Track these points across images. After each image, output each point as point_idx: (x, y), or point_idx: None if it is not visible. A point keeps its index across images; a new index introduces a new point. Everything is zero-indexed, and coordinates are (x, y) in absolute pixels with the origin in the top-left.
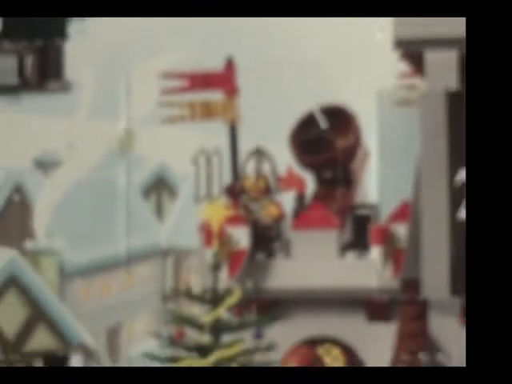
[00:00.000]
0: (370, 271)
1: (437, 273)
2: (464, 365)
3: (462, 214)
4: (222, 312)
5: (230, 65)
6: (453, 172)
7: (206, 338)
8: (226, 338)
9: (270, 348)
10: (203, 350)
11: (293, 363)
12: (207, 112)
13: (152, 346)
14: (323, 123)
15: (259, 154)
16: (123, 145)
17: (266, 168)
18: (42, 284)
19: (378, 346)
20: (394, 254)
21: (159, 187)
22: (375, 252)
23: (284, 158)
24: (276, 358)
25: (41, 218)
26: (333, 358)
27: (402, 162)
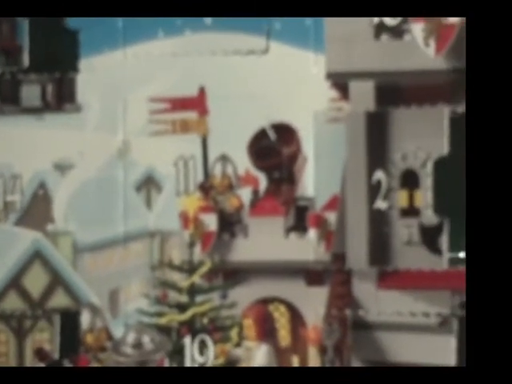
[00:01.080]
0: (308, 247)
1: (358, 248)
2: (380, 319)
3: (377, 204)
4: (196, 278)
5: (202, 92)
6: (370, 173)
7: (184, 298)
8: (199, 298)
9: (232, 305)
10: (182, 307)
11: (250, 317)
12: (185, 127)
13: (143, 304)
14: (273, 136)
15: (224, 159)
16: (121, 152)
17: (230, 170)
18: (60, 257)
19: (314, 304)
20: (326, 234)
21: (148, 184)
22: (312, 233)
23: (243, 162)
24: (237, 312)
25: (59, 208)
26: (280, 314)
27: (332, 165)
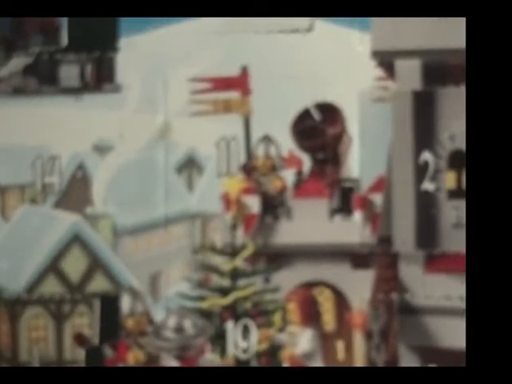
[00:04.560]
0: (353, 230)
1: (405, 231)
2: (427, 303)
3: (424, 185)
4: (239, 262)
5: (244, 71)
6: (417, 153)
7: (226, 282)
8: (242, 281)
9: (275, 289)
10: (224, 291)
11: (294, 301)
12: (227, 108)
13: (184, 288)
14: (317, 116)
15: (267, 140)
16: (162, 133)
17: (273, 151)
18: (100, 240)
19: (359, 288)
20: (372, 216)
21: (190, 165)
22: (357, 215)
23: (286, 143)
24: (280, 297)
25: (98, 190)
26: (324, 298)
27: (378, 145)
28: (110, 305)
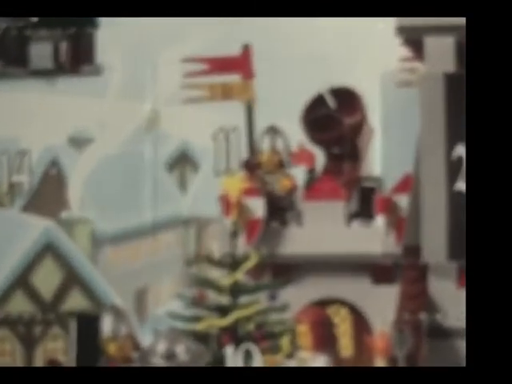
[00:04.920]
0: (374, 238)
1: (435, 239)
2: (462, 325)
3: (458, 185)
4: (240, 275)
5: (246, 51)
6: (450, 147)
7: (225, 299)
8: (244, 299)
9: (283, 308)
10: (223, 310)
11: (305, 322)
12: (226, 93)
13: (176, 306)
14: (332, 103)
15: (273, 131)
16: (149, 123)
17: (280, 144)
18: (76, 250)
19: (382, 306)
20: (396, 222)
21: (182, 161)
22: (379, 220)
23: (296, 135)
24: (289, 317)
25: (75, 190)
26: (341, 318)
27: (403, 137)
28: (88, 326)
